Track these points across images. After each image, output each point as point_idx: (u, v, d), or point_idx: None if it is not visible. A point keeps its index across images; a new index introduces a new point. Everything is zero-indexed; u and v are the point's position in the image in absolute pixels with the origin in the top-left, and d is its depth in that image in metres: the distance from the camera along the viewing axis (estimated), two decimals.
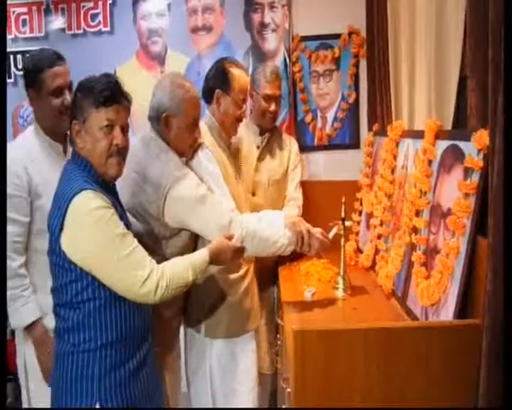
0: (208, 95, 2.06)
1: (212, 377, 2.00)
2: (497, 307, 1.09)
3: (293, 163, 2.62)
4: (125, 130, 1.55)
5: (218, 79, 2.04)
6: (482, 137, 1.28)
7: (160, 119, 1.81)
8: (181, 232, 1.83)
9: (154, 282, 1.49)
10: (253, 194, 2.44)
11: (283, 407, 1.82)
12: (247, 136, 2.48)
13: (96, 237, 1.45)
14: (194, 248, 1.89)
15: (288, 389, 1.59)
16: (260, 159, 2.50)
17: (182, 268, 1.58)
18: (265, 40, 2.94)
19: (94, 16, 3.02)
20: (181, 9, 2.98)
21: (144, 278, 1.48)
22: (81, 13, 3.02)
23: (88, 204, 1.44)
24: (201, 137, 1.94)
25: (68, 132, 1.60)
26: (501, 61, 1.05)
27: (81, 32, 3.03)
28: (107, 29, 3.01)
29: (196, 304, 1.98)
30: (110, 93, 1.50)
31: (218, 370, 1.99)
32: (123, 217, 1.56)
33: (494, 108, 1.12)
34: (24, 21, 3.04)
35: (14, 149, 1.87)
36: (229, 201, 1.89)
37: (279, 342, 2.14)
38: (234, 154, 2.17)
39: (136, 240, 1.52)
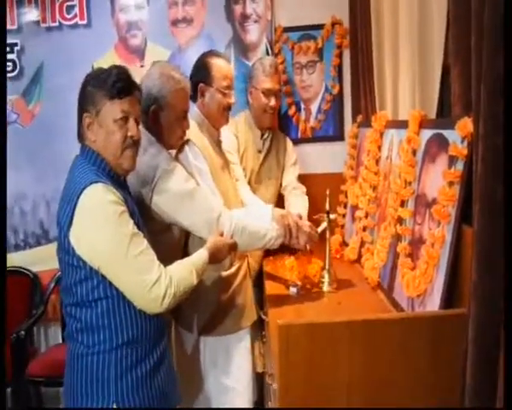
0: (193, 91, 2.01)
1: (205, 375, 1.96)
2: (483, 296, 1.07)
3: (291, 159, 2.64)
4: (137, 121, 1.51)
5: (199, 73, 2.03)
6: (466, 124, 1.27)
7: (147, 111, 1.75)
8: (170, 228, 1.78)
9: (163, 289, 1.41)
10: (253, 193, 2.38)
11: (269, 403, 1.80)
12: (247, 135, 2.46)
13: (104, 234, 1.39)
14: (185, 244, 1.86)
15: (274, 386, 1.56)
16: (262, 163, 2.52)
17: (187, 272, 1.50)
18: (247, 32, 2.89)
19: (70, 8, 2.92)
20: (161, 1, 2.91)
21: (152, 282, 1.40)
22: (56, 5, 2.92)
23: (98, 197, 1.39)
24: (190, 132, 1.90)
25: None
26: (483, 49, 1.03)
27: (56, 24, 2.93)
28: (84, 22, 2.93)
29: (188, 303, 1.91)
30: (124, 84, 1.46)
31: (211, 368, 1.95)
32: (135, 214, 1.50)
33: (477, 95, 1.10)
34: None
35: None
36: (217, 197, 1.86)
37: (264, 339, 2.11)
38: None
39: (146, 241, 1.45)
